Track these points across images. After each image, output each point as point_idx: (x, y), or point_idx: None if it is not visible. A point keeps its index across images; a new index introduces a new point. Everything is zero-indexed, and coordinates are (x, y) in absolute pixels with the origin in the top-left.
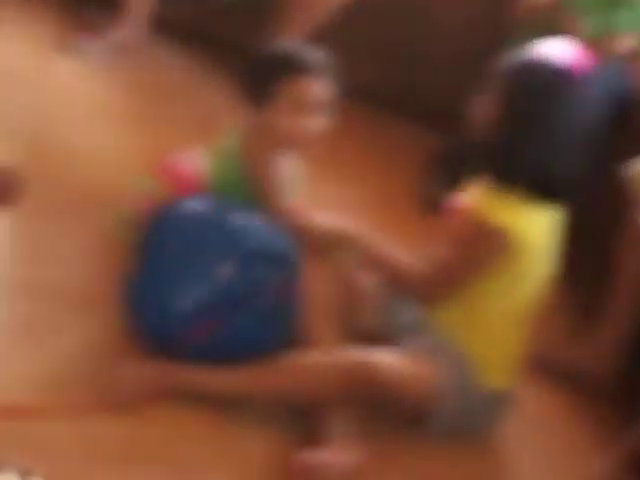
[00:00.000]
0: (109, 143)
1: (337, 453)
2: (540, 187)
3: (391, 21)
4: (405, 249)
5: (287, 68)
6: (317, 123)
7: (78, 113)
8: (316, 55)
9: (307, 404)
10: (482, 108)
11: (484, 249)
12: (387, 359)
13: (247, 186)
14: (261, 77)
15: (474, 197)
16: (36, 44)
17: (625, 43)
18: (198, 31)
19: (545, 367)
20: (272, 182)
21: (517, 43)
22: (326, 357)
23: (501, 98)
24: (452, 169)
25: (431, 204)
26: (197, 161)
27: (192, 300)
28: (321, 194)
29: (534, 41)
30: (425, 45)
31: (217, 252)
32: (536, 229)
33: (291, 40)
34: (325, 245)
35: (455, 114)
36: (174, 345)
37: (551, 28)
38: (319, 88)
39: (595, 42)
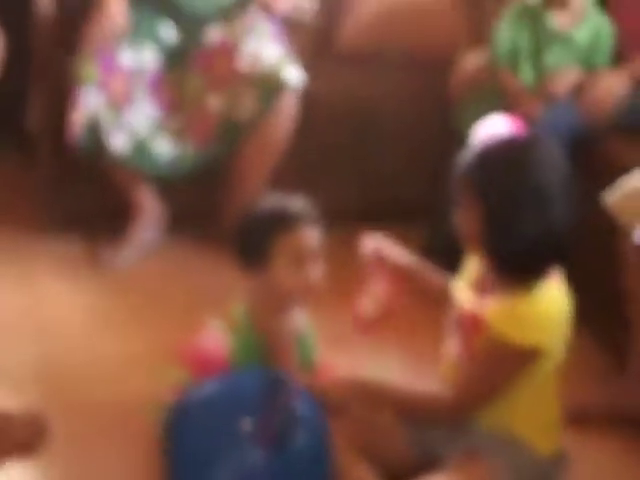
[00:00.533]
0: (119, 346)
1: None
2: (554, 253)
3: (340, 139)
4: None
5: (277, 225)
6: (317, 270)
7: (71, 333)
8: (298, 203)
9: None
10: (465, 224)
11: (514, 368)
12: None
13: (264, 353)
14: (253, 241)
15: (490, 307)
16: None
17: (567, 79)
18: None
19: (588, 416)
20: (284, 343)
21: (468, 118)
22: None
23: (476, 202)
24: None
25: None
26: (217, 337)
27: (230, 473)
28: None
29: (482, 111)
30: (379, 150)
31: (231, 415)
32: (556, 306)
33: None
34: (341, 404)
35: (428, 204)
36: None
37: (493, 92)
38: (312, 235)
39: (539, 87)
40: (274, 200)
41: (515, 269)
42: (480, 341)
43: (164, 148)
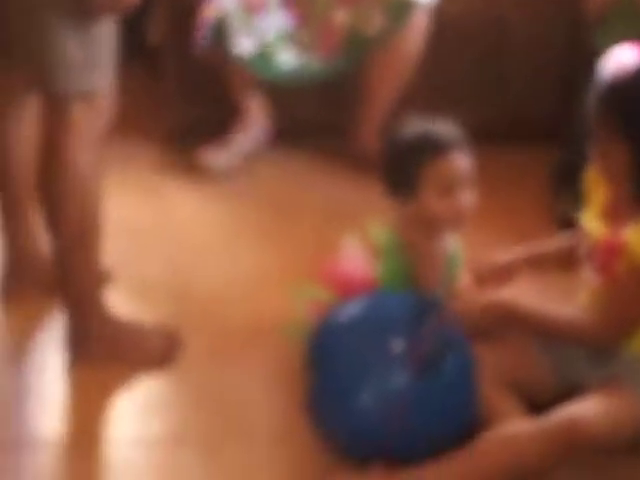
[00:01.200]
0: (251, 263)
1: None
2: None
3: (469, 60)
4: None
5: (427, 150)
6: (468, 198)
7: (202, 244)
8: (447, 128)
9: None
10: (605, 158)
11: None
12: (588, 409)
13: (411, 277)
14: (403, 166)
15: (629, 233)
16: (145, 186)
17: None
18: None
19: None
20: (434, 267)
21: (605, 39)
22: (525, 428)
23: (622, 136)
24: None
25: (566, 220)
26: (359, 259)
27: (377, 395)
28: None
29: (621, 32)
30: (509, 71)
31: (381, 335)
32: None
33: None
34: (486, 326)
35: (557, 127)
36: (375, 449)
37: (633, 11)
38: (462, 162)
39: None
40: (420, 124)
41: None
42: (621, 266)
43: (289, 57)
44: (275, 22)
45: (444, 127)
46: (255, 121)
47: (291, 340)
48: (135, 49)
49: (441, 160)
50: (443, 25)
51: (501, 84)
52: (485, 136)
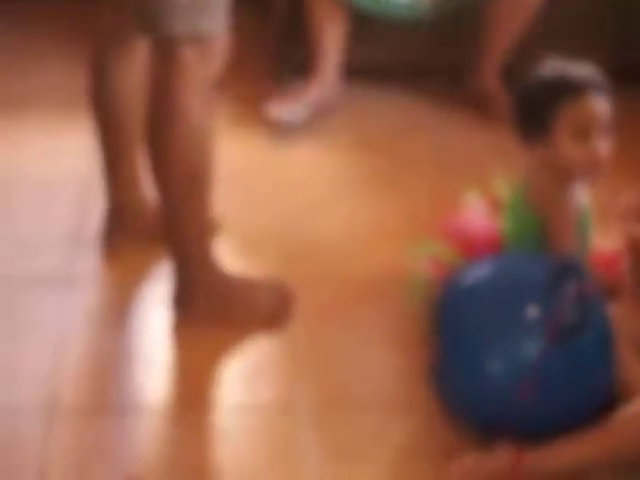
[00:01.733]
0: (364, 216)
1: None
2: None
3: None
4: None
5: (564, 91)
6: (605, 145)
7: (313, 195)
8: (586, 70)
9: None
10: None
11: None
12: None
13: (541, 234)
14: (537, 108)
15: None
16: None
17: None
18: (395, 69)
19: None
20: (567, 221)
21: None
22: None
23: None
24: None
25: None
26: (482, 214)
27: (510, 364)
28: None
29: None
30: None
31: (514, 301)
32: None
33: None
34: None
35: None
36: (503, 421)
37: None
38: (601, 106)
39: None
40: (557, 65)
41: None
42: None
43: None
44: None
45: (583, 69)
46: (327, 77)
47: (411, 300)
48: None
49: (580, 102)
50: None
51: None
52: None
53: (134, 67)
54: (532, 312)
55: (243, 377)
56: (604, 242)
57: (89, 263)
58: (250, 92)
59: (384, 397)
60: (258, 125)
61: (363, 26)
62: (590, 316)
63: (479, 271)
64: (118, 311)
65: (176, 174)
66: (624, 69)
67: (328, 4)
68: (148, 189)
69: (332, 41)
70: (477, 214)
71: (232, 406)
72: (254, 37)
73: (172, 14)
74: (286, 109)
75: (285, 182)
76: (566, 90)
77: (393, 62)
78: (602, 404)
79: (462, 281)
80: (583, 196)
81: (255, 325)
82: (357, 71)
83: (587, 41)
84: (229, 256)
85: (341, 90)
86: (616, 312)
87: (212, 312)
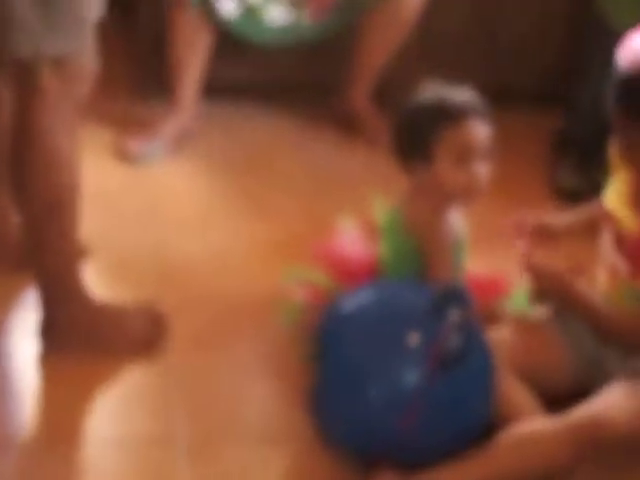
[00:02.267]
0: (238, 237)
1: None
2: None
3: (467, 19)
4: None
5: (444, 117)
6: (484, 169)
7: (183, 218)
8: (465, 94)
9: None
10: (635, 157)
11: None
12: (614, 406)
13: (419, 259)
14: (418, 133)
15: None
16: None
17: None
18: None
19: None
20: (443, 245)
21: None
22: (546, 426)
23: None
24: (585, 153)
25: (569, 193)
26: (357, 239)
27: (392, 392)
28: None
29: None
30: (507, 30)
31: (396, 328)
32: None
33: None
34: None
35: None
36: (385, 449)
37: None
38: (480, 130)
39: None
40: (436, 89)
41: None
42: None
43: (277, 15)
44: None
45: (463, 93)
46: (185, 103)
47: (286, 325)
48: None
49: (459, 128)
50: None
51: (497, 44)
52: (489, 96)
53: None
54: (414, 339)
55: (115, 408)
56: (479, 265)
57: None
58: (116, 111)
59: (263, 427)
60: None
61: (227, 43)
62: (472, 343)
63: (361, 297)
64: None
65: (38, 199)
66: (497, 89)
67: (194, 25)
68: (13, 215)
69: (194, 64)
70: (352, 238)
71: (104, 439)
72: (119, 54)
73: (17, 35)
74: (145, 146)
75: (153, 205)
76: (446, 116)
77: (260, 80)
78: (484, 430)
79: (343, 307)
80: (459, 220)
81: (127, 353)
82: (224, 89)
83: (461, 61)
84: (98, 282)
85: (203, 111)
86: (495, 337)
87: (82, 340)
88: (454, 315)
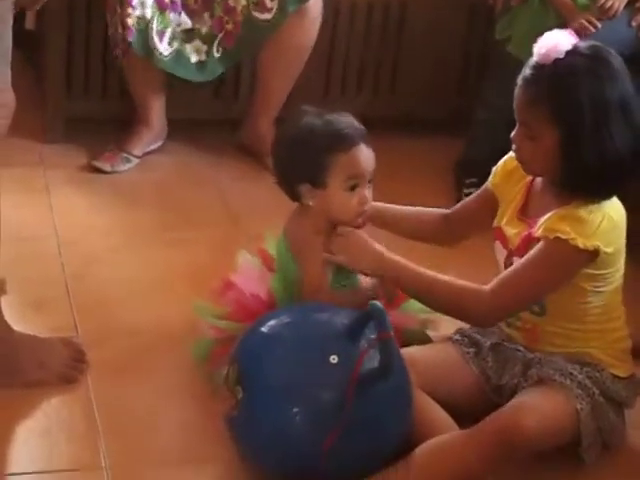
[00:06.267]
0: (150, 269)
1: None
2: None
3: (367, 40)
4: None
5: (337, 142)
6: (370, 192)
7: (94, 249)
8: (349, 120)
9: None
10: (530, 150)
11: (568, 266)
12: (522, 409)
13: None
14: (306, 159)
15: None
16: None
17: None
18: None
19: None
20: (316, 266)
21: (514, 31)
22: (461, 434)
23: (552, 124)
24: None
25: None
26: (254, 274)
27: (312, 414)
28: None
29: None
30: (407, 59)
31: (317, 354)
32: (618, 211)
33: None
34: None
35: (460, 118)
36: (307, 471)
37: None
38: (369, 155)
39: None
40: (316, 115)
41: (595, 187)
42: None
43: (194, 52)
44: (177, 16)
45: (347, 119)
46: (157, 128)
47: (197, 356)
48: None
49: (352, 153)
50: (339, 12)
51: (399, 73)
52: (381, 126)
53: None
54: (333, 360)
55: (36, 443)
56: None
57: None
58: (21, 143)
59: (184, 450)
60: (34, 182)
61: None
62: (390, 362)
63: (279, 320)
64: None
65: None
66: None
67: (144, 66)
68: None
69: (155, 97)
70: (247, 273)
71: (26, 472)
72: (23, 85)
73: None
74: (117, 160)
75: (66, 234)
76: (339, 142)
77: (168, 116)
78: (402, 447)
79: (261, 331)
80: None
81: (47, 384)
82: None
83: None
84: (15, 316)
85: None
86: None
87: (3, 375)
88: (372, 335)
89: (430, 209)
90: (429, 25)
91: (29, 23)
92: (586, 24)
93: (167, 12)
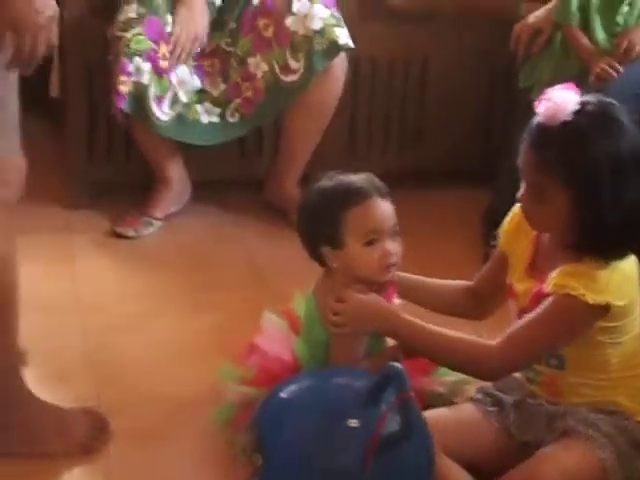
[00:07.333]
0: (175, 334)
1: None
2: None
3: (390, 94)
4: None
5: (346, 198)
6: (394, 246)
7: (120, 315)
8: (365, 176)
9: None
10: (546, 214)
11: (576, 322)
12: (546, 462)
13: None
14: (321, 220)
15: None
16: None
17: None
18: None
19: None
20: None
21: (536, 77)
22: None
23: (565, 185)
24: None
25: None
26: (280, 337)
27: (333, 477)
28: None
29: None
30: (431, 111)
31: (336, 419)
32: (632, 266)
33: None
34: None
35: (487, 170)
36: None
37: (562, 49)
38: (385, 209)
39: (611, 46)
40: (335, 175)
41: (612, 248)
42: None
43: (203, 114)
44: (187, 79)
45: (360, 176)
46: (177, 188)
47: (219, 424)
48: (35, 101)
49: (363, 207)
50: (362, 69)
51: (424, 129)
52: (415, 178)
53: None
54: (352, 424)
55: None
56: None
57: None
58: (45, 210)
59: None
60: (59, 249)
61: None
62: (411, 425)
63: (299, 385)
64: None
65: None
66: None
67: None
68: None
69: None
70: (273, 338)
71: None
72: (47, 152)
73: None
74: (139, 225)
75: (90, 301)
76: (347, 198)
77: (193, 178)
78: None
79: (281, 396)
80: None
81: (70, 454)
82: None
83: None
84: (38, 386)
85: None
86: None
87: (23, 445)
88: (392, 397)
89: (451, 282)
90: (451, 76)
91: (53, 91)
92: (608, 69)
93: (165, 77)
